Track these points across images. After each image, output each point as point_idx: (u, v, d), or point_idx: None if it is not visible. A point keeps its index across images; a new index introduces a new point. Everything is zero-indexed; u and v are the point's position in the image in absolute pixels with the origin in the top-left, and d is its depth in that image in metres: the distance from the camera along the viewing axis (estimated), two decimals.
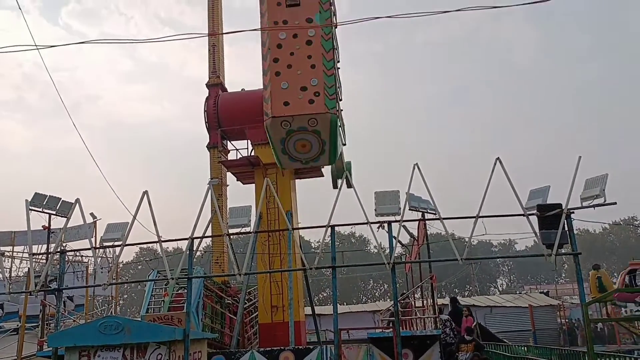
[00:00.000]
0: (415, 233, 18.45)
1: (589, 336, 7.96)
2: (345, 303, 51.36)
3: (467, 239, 8.55)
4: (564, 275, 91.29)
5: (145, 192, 8.97)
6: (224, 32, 21.23)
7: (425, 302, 17.92)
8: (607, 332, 28.24)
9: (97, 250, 9.95)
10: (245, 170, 19.49)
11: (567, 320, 34.92)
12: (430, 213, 13.58)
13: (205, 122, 19.56)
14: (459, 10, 8.09)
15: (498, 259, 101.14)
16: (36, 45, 9.62)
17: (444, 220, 9.11)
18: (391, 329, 13.17)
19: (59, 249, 9.35)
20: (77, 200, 9.26)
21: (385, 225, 9.03)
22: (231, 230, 9.31)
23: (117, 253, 9.12)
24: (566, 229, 8.24)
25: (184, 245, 9.14)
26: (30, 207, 12.36)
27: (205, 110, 19.55)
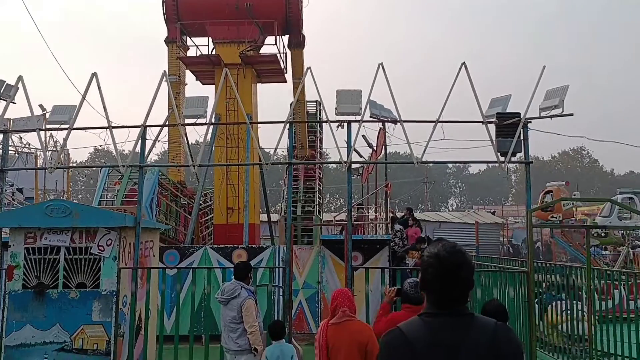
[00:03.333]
0: (374, 144, 18.55)
1: (530, 241, 8.33)
2: None
3: (424, 144, 8.59)
4: (511, 199, 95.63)
5: (94, 74, 8.47)
6: None
7: (378, 211, 18.41)
8: (544, 251, 30.16)
9: (44, 134, 9.47)
10: (205, 69, 18.77)
11: (509, 240, 37.01)
12: (390, 121, 13.50)
13: (164, 14, 18.43)
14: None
15: (450, 181, 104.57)
16: None
17: (404, 124, 9.06)
18: (343, 233, 13.50)
19: (1, 129, 8.85)
20: (20, 78, 8.65)
21: (345, 124, 8.93)
22: (187, 121, 8.99)
23: (64, 137, 8.70)
24: (522, 138, 8.37)
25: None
26: None
27: (163, 1, 18.35)
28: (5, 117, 9.92)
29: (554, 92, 8.13)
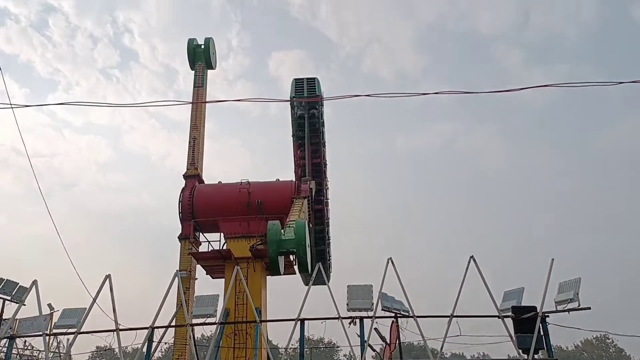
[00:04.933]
0: (387, 337, 17.79)
1: None
2: None
3: (440, 339, 8.24)
4: None
5: (108, 276, 8.59)
6: (205, 125, 21.77)
7: None
8: None
9: (49, 338, 9.24)
10: (216, 263, 19.05)
11: None
12: (403, 315, 13.18)
13: (179, 213, 19.40)
14: None
15: None
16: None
17: (417, 320, 8.83)
18: None
19: (7, 335, 8.66)
20: (35, 283, 8.76)
21: (357, 320, 8.70)
22: (195, 320, 8.80)
23: (70, 342, 8.46)
24: (542, 333, 8.03)
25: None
26: None
27: (180, 201, 19.49)
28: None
29: (567, 285, 8.05)
